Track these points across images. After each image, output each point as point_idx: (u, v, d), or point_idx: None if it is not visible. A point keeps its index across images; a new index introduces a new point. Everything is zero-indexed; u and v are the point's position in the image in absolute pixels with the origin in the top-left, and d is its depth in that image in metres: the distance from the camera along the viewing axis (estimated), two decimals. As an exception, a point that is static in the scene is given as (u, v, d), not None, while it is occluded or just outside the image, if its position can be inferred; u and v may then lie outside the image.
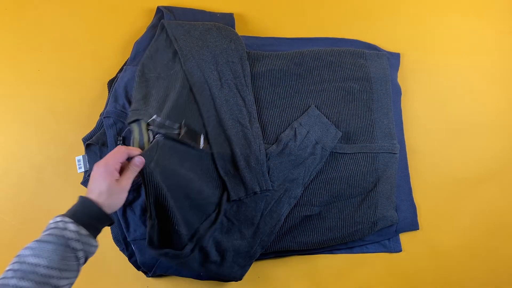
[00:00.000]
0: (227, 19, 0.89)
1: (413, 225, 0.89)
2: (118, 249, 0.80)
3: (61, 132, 0.87)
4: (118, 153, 0.60)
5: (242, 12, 0.94)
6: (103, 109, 0.82)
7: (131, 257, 0.80)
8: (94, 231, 0.55)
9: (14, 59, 0.89)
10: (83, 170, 0.82)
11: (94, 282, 0.84)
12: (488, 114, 0.94)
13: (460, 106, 0.94)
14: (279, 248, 0.82)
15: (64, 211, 0.55)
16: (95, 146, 0.81)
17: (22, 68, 0.89)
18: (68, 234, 0.51)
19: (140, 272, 0.80)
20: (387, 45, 0.95)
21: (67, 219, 0.53)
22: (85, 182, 0.80)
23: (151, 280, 0.84)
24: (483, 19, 0.97)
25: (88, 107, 0.88)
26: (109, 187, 0.57)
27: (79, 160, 0.83)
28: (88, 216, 0.54)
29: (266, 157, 0.79)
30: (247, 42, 0.88)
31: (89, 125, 0.86)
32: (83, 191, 0.83)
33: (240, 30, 0.90)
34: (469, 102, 0.95)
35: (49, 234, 0.50)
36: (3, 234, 0.84)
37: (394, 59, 0.94)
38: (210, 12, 0.91)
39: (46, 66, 0.89)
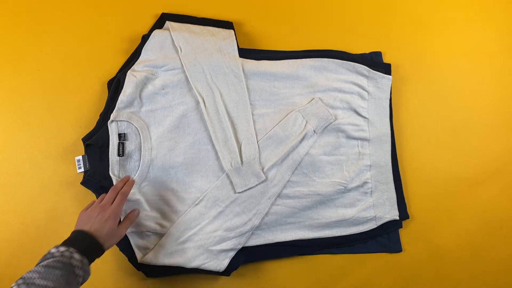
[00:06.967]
0: (227, 30, 0.89)
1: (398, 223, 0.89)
2: (118, 249, 0.80)
3: (61, 132, 0.87)
4: (123, 200, 0.71)
5: (242, 21, 0.94)
6: (103, 109, 0.83)
7: (131, 257, 0.80)
8: (91, 262, 0.64)
9: (14, 59, 0.89)
10: (83, 170, 0.82)
11: (94, 282, 0.84)
12: (488, 114, 0.94)
13: (460, 106, 0.94)
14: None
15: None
16: (95, 146, 0.81)
17: (22, 68, 0.89)
18: (74, 262, 0.59)
19: (140, 272, 0.80)
20: (386, 46, 0.95)
21: (72, 249, 0.61)
22: (85, 182, 0.80)
23: (151, 280, 0.84)
24: (484, 20, 0.97)
25: (88, 107, 0.88)
26: (111, 230, 0.67)
27: (78, 160, 0.83)
28: (89, 250, 0.63)
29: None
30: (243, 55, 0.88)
31: (89, 125, 0.86)
32: (83, 191, 0.84)
33: (240, 41, 0.90)
34: (469, 102, 0.94)
35: (57, 261, 0.57)
36: (3, 234, 0.84)
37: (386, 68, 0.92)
38: (211, 20, 0.91)
39: (46, 66, 0.89)
